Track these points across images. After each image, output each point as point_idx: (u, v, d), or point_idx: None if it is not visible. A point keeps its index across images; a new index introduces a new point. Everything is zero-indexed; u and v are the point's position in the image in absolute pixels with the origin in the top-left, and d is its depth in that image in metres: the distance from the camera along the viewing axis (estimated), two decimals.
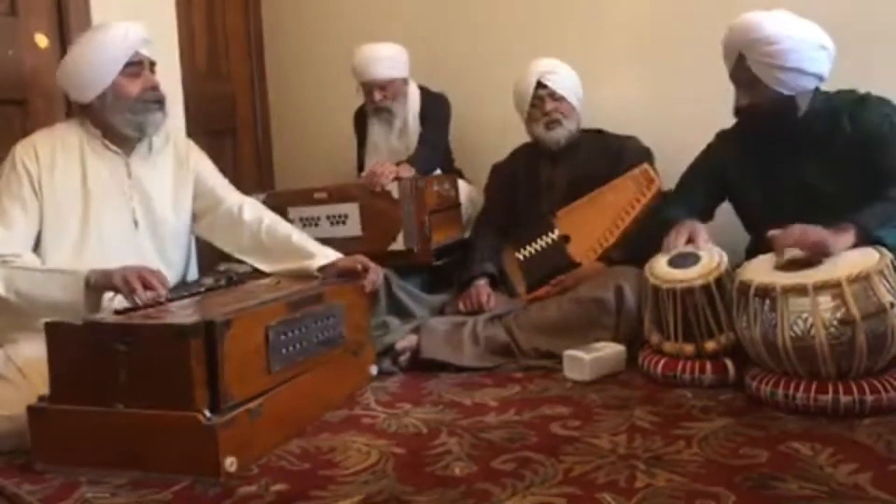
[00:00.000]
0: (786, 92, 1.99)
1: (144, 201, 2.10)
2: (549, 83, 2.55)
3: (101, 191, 2.04)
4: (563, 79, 2.57)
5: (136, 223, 2.08)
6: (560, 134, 2.57)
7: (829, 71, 2.02)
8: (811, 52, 1.97)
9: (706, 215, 2.25)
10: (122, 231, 2.06)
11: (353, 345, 2.06)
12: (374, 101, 2.86)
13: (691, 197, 2.25)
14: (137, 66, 2.03)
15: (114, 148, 2.07)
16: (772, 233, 1.83)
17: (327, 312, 1.94)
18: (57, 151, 2.01)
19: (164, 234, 2.14)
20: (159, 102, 2.07)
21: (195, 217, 2.23)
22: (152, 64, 2.09)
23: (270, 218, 2.23)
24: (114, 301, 1.85)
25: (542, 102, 2.56)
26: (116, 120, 2.03)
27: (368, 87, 2.85)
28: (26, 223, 1.93)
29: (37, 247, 1.96)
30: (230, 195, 2.25)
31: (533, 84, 2.55)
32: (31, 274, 1.85)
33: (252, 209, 2.22)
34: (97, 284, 1.81)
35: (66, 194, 1.99)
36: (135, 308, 1.75)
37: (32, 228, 1.94)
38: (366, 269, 2.13)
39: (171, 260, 2.15)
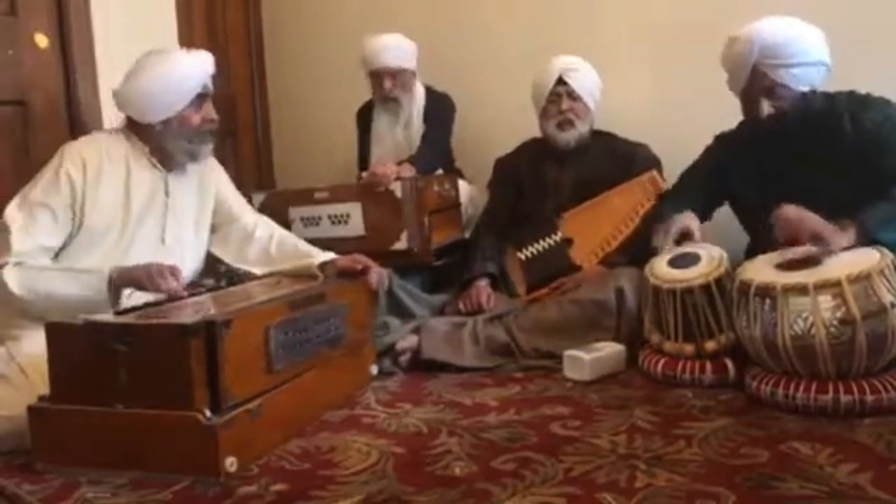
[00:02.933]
0: (805, 88, 2.00)
1: (175, 219, 2.11)
2: (569, 80, 2.53)
3: (141, 207, 2.04)
4: (583, 78, 2.56)
5: (163, 240, 2.08)
6: (571, 135, 2.56)
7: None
8: (818, 44, 2.00)
9: (703, 217, 2.24)
10: (150, 247, 2.05)
11: (357, 344, 2.06)
12: (384, 90, 2.86)
13: (689, 197, 2.25)
14: (204, 97, 2.06)
15: (158, 166, 2.08)
16: (779, 211, 1.83)
17: (329, 312, 1.94)
18: (104, 164, 1.99)
19: (186, 251, 2.15)
20: (214, 133, 2.11)
21: (211, 229, 2.25)
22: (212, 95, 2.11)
23: (280, 233, 2.28)
24: (131, 297, 1.87)
25: (559, 99, 2.54)
26: (172, 145, 2.05)
27: (379, 75, 2.85)
28: (49, 236, 1.91)
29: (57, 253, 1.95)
30: (245, 214, 2.28)
31: (553, 79, 2.53)
32: (51, 273, 1.86)
33: (264, 227, 2.27)
34: (119, 282, 1.84)
35: (109, 211, 1.98)
36: (136, 308, 1.76)
37: (56, 241, 1.92)
38: (366, 268, 2.14)
39: (185, 275, 2.14)
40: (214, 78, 2.10)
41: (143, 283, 1.84)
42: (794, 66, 1.97)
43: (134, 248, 2.02)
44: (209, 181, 2.22)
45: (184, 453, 1.51)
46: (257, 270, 2.21)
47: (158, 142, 2.05)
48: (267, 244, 2.23)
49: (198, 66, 2.04)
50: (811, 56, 1.99)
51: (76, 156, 1.97)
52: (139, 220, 2.03)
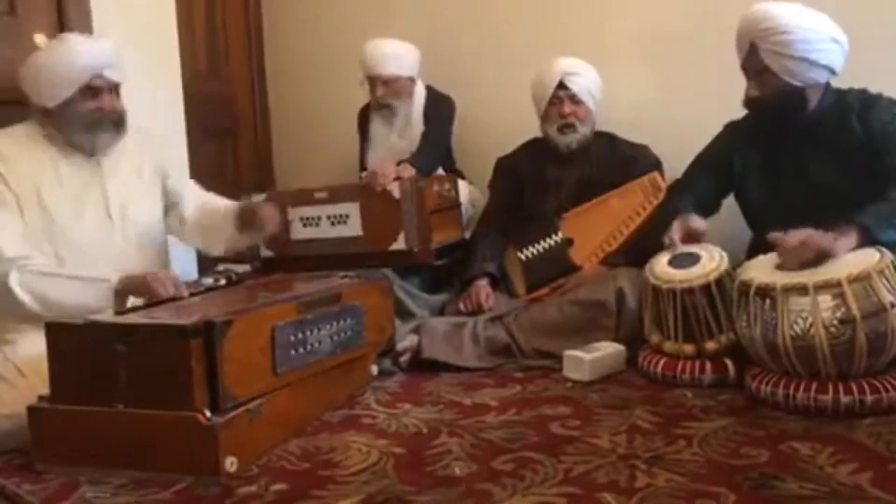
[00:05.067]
0: (795, 83, 1.99)
1: (116, 196, 2.09)
2: (570, 85, 2.52)
3: (74, 187, 2.02)
4: (584, 81, 2.55)
5: (110, 216, 2.07)
6: (573, 138, 2.56)
7: (842, 67, 2.01)
8: (822, 43, 1.97)
9: (712, 207, 2.24)
10: (98, 226, 2.04)
11: (375, 347, 2.06)
12: (377, 96, 2.88)
13: (697, 188, 2.24)
14: (96, 89, 2.00)
15: (85, 147, 2.05)
16: (772, 236, 1.82)
17: (344, 314, 1.92)
18: (23, 149, 1.98)
19: (138, 227, 2.13)
20: (115, 123, 2.05)
21: (164, 211, 2.25)
22: (116, 86, 2.05)
23: (207, 203, 2.30)
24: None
25: (560, 103, 2.54)
26: (70, 132, 2.01)
27: (373, 81, 2.87)
28: (19, 227, 1.91)
29: None
30: (186, 194, 2.29)
31: (555, 83, 2.53)
32: (58, 281, 1.86)
33: (195, 208, 2.28)
34: (125, 290, 1.86)
35: (41, 192, 1.96)
36: (135, 308, 1.76)
37: (21, 225, 1.92)
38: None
39: (146, 254, 2.14)
40: (116, 69, 2.03)
41: (142, 292, 1.86)
42: (787, 58, 1.96)
43: (82, 231, 2.00)
44: (146, 157, 2.18)
45: (184, 453, 1.50)
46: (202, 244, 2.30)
47: (60, 126, 2.01)
48: (198, 219, 2.26)
49: (87, 55, 1.98)
50: (808, 53, 1.95)
51: None
52: (75, 201, 2.01)
